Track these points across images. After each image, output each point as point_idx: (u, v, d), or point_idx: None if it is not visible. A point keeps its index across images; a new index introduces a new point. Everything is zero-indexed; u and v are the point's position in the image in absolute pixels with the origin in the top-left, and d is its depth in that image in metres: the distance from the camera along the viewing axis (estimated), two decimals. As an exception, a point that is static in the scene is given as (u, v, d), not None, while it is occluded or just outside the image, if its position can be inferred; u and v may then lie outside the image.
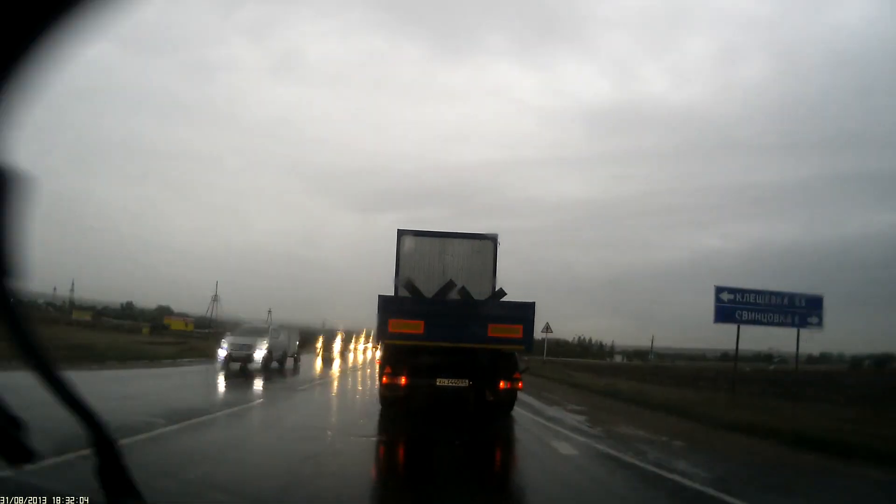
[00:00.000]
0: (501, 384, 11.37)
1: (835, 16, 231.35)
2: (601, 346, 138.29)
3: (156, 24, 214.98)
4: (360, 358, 45.68)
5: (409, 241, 12.76)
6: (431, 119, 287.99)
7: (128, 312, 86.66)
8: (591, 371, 40.94)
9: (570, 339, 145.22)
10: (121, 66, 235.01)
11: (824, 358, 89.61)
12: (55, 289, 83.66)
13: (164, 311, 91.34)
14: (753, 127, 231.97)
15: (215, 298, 71.00)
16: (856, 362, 70.62)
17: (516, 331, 11.11)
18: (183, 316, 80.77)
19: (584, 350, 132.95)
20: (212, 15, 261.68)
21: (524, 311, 11.27)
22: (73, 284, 75.55)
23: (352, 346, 50.21)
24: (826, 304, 18.03)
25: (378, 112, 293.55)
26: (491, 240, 12.93)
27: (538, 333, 23.59)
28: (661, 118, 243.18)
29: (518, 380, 11.53)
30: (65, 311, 70.15)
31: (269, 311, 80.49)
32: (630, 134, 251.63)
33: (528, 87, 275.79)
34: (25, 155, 0.91)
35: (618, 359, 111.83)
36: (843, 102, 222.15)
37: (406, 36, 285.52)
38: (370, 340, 57.75)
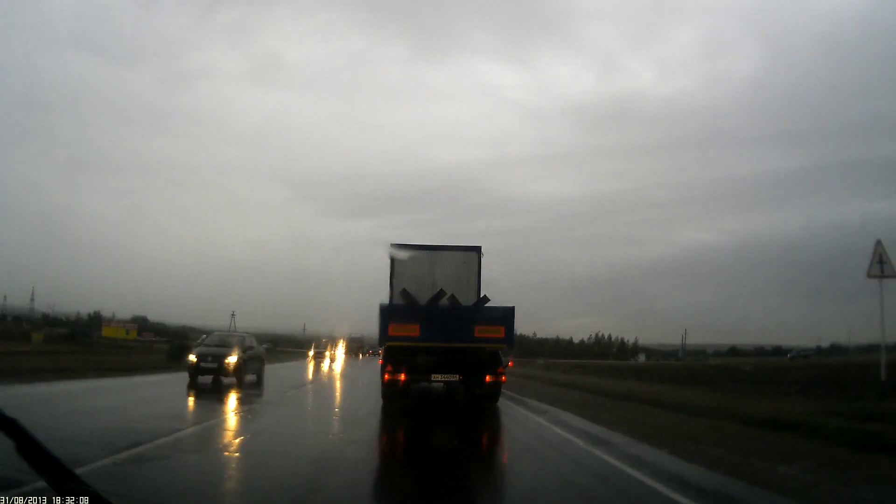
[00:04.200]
0: (488, 378, 13.43)
1: (825, 1, 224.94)
2: (623, 344, 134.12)
3: (131, 33, 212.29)
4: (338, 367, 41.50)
5: (401, 254, 14.72)
6: (415, 120, 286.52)
7: (95, 322, 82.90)
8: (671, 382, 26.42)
9: (583, 337, 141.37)
10: (99, 76, 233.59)
11: (838, 350, 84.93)
12: (5, 297, 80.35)
13: (138, 321, 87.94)
14: (743, 118, 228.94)
15: None
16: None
17: (499, 331, 13.05)
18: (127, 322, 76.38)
19: (604, 350, 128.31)
20: (188, 20, 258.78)
21: (505, 314, 13.24)
22: (32, 293, 72.12)
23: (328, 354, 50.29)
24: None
25: (360, 114, 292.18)
26: (475, 251, 15.04)
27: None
28: (648, 112, 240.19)
29: (501, 374, 13.73)
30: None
31: (233, 315, 75.93)
32: (618, 128, 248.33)
33: (512, 84, 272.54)
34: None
35: (641, 358, 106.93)
36: (834, 90, 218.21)
37: (386, 35, 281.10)
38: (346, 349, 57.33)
